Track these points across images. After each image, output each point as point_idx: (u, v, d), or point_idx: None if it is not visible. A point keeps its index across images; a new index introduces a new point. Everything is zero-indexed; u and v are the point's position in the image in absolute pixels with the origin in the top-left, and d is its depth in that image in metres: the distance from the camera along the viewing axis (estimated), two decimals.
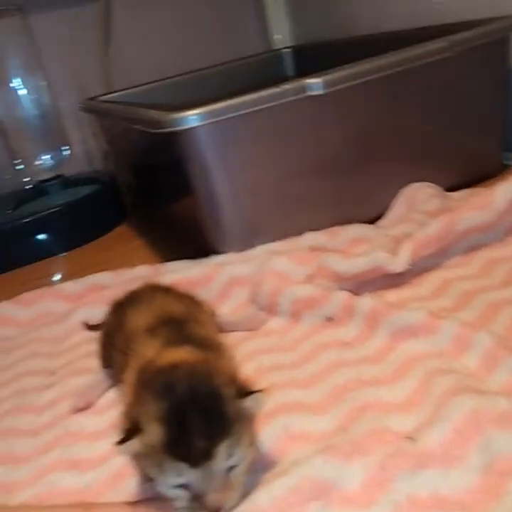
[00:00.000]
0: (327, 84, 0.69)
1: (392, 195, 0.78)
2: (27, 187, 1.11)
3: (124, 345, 0.45)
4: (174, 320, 0.45)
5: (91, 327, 0.63)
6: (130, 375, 0.40)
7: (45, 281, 0.80)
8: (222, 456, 0.33)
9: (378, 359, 0.48)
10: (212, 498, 0.33)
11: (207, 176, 0.69)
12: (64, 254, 0.93)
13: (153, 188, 0.95)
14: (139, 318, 0.46)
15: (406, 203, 0.75)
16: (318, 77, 0.69)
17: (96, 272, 0.75)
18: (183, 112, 0.66)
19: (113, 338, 0.49)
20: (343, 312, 0.55)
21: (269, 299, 0.60)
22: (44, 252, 0.93)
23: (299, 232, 0.72)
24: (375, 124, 0.75)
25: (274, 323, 0.58)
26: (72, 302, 0.71)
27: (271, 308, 0.60)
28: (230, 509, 0.34)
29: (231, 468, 0.34)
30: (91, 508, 0.34)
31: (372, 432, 0.38)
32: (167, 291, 0.54)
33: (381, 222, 0.74)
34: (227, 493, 0.33)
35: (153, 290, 0.53)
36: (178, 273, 0.68)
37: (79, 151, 1.21)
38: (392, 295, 0.57)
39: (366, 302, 0.53)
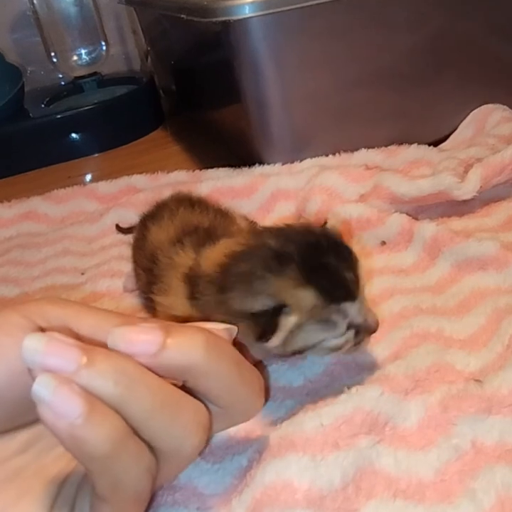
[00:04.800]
0: None
1: (459, 116, 0.70)
2: (62, 83, 1.06)
3: (146, 262, 0.42)
4: (199, 230, 0.41)
5: (123, 229, 0.60)
6: (176, 284, 0.37)
7: (77, 180, 0.77)
8: (361, 278, 0.33)
9: (440, 290, 0.43)
10: (371, 318, 0.34)
11: (257, 77, 0.63)
12: (96, 155, 0.89)
13: (195, 91, 0.88)
14: (160, 234, 0.43)
15: (475, 125, 0.67)
16: None
17: (130, 174, 0.71)
18: None
19: (136, 255, 0.47)
20: (399, 237, 0.49)
21: (316, 216, 0.55)
22: (77, 151, 0.89)
23: (352, 147, 0.66)
24: (449, 33, 0.66)
25: None
26: (105, 203, 0.68)
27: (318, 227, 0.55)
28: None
29: None
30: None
31: (433, 366, 0.35)
32: (193, 203, 0.48)
33: (445, 145, 0.67)
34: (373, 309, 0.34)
35: (178, 203, 0.48)
36: (218, 181, 0.63)
37: (117, 52, 1.15)
38: (456, 224, 0.52)
39: (428, 228, 0.48)
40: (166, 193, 0.62)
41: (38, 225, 0.66)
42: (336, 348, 0.33)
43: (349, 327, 0.33)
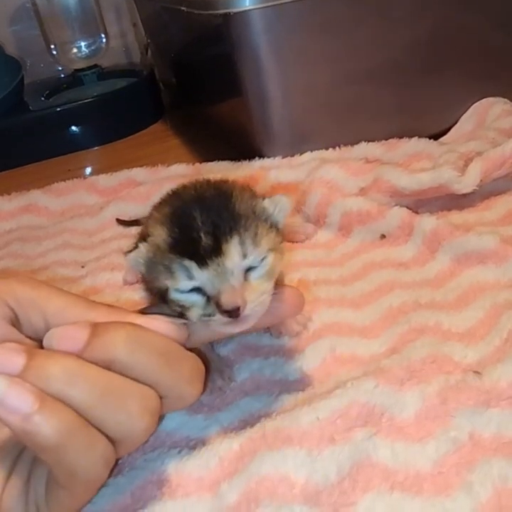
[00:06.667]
0: None
1: (459, 109, 0.70)
2: (62, 76, 1.05)
3: None
4: None
5: (123, 222, 0.60)
6: None
7: (77, 174, 0.77)
8: (234, 254, 0.31)
9: (439, 284, 0.43)
10: (227, 298, 0.30)
11: (257, 70, 0.62)
12: (96, 148, 0.89)
13: (195, 84, 0.88)
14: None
15: (476, 118, 0.67)
16: None
17: (130, 168, 0.71)
18: None
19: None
20: (399, 230, 0.49)
21: (317, 209, 0.55)
22: (76, 144, 0.89)
23: (352, 141, 0.66)
24: (450, 27, 0.66)
25: (321, 236, 0.54)
26: (105, 196, 0.67)
27: (318, 220, 0.55)
28: (252, 312, 0.30)
29: (249, 270, 0.31)
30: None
31: (430, 358, 0.35)
32: None
33: (445, 139, 0.67)
34: (245, 294, 0.30)
35: None
36: (218, 174, 0.63)
37: (117, 44, 1.14)
38: (456, 218, 0.51)
39: (428, 222, 0.48)
40: (166, 186, 0.62)
41: (38, 218, 0.66)
42: (182, 306, 0.31)
43: (198, 291, 0.31)
